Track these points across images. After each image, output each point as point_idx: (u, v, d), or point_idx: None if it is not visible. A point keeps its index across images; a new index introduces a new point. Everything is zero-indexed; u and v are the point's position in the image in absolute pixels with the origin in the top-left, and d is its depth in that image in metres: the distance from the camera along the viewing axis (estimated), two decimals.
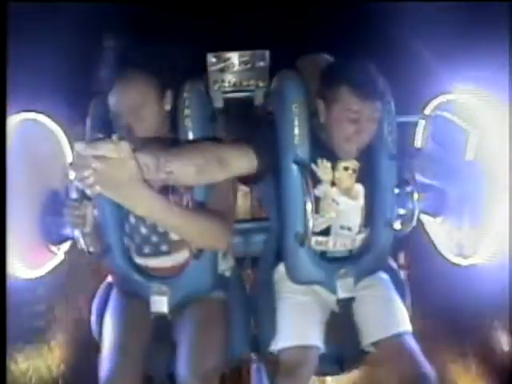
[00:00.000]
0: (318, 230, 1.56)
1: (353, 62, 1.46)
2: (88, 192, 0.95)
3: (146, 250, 1.57)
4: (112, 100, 1.45)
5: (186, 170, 1.19)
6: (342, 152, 1.49)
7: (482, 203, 1.69)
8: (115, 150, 0.92)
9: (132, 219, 1.55)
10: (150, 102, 1.46)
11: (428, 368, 1.45)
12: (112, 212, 1.54)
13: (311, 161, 1.52)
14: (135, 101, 1.43)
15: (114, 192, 0.98)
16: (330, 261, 1.61)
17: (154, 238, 1.55)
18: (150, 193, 1.03)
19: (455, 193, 1.79)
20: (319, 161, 1.54)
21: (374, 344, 1.56)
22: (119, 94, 1.44)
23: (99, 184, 0.94)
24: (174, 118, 1.54)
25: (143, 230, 1.55)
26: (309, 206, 1.46)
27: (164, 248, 1.56)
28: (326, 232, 1.58)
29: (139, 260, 1.60)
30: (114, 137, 0.93)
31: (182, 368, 1.45)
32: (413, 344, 1.51)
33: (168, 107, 1.52)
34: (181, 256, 1.57)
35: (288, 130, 1.49)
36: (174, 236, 1.53)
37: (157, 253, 1.56)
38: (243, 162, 1.38)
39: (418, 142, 1.95)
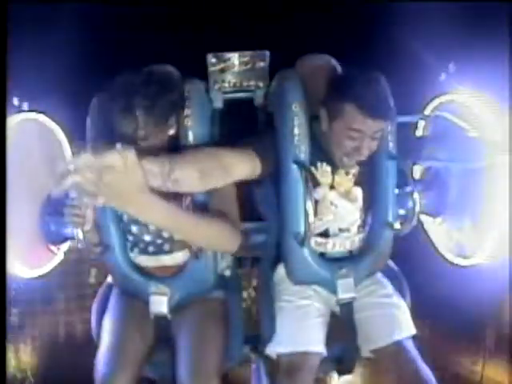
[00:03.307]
0: (316, 232, 1.56)
1: (361, 76, 1.40)
2: (90, 202, 0.95)
3: (149, 248, 1.57)
4: (119, 124, 1.38)
5: (190, 177, 1.20)
6: (341, 163, 1.50)
7: (481, 203, 1.69)
8: (121, 159, 0.92)
9: (134, 228, 1.55)
10: (154, 132, 1.39)
11: (428, 374, 1.44)
12: (112, 211, 1.54)
13: (310, 163, 1.52)
14: (141, 132, 1.37)
15: (119, 202, 0.98)
16: (330, 261, 1.61)
17: (158, 239, 1.55)
18: (156, 200, 1.04)
19: (455, 193, 1.79)
20: (318, 164, 1.54)
21: (375, 351, 1.56)
22: (126, 123, 1.36)
23: (104, 195, 0.93)
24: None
25: (147, 237, 1.55)
26: (309, 206, 1.46)
27: (166, 247, 1.56)
28: (325, 234, 1.58)
29: (140, 259, 1.59)
30: (119, 146, 0.93)
31: (183, 369, 1.45)
32: (413, 350, 1.50)
33: (172, 132, 1.47)
34: (182, 255, 1.57)
35: (288, 130, 1.49)
36: (176, 235, 1.53)
37: (158, 252, 1.56)
38: (247, 167, 1.39)
39: None
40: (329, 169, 1.54)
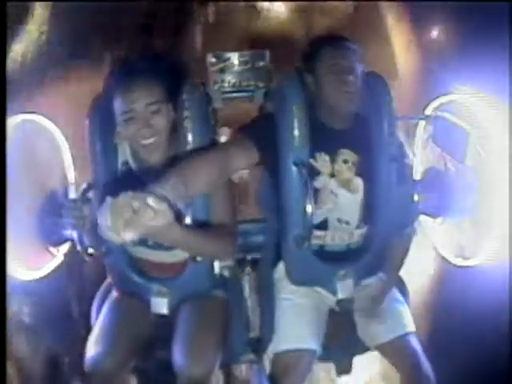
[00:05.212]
0: (315, 222, 1.55)
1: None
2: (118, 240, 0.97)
3: (149, 242, 1.56)
4: (123, 104, 1.38)
5: (200, 186, 1.25)
6: (344, 109, 1.51)
7: (481, 203, 1.70)
8: (156, 216, 0.96)
9: None
10: (161, 109, 1.40)
11: (428, 369, 1.46)
12: None
13: (310, 156, 1.52)
14: (149, 107, 1.38)
15: (145, 235, 1.02)
16: (330, 261, 1.61)
17: None
18: (176, 226, 1.09)
19: (455, 193, 1.79)
20: (317, 154, 1.53)
21: (379, 346, 1.56)
22: (133, 99, 1.37)
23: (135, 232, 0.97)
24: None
25: None
26: (309, 208, 1.46)
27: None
28: (323, 226, 1.57)
29: (139, 251, 1.58)
30: (151, 199, 0.96)
31: (180, 356, 1.45)
32: (415, 345, 1.52)
33: (171, 116, 1.45)
34: (181, 253, 1.56)
35: (288, 131, 1.49)
36: None
37: (158, 247, 1.56)
38: (245, 158, 1.44)
39: (419, 143, 1.95)
40: (327, 158, 1.54)
